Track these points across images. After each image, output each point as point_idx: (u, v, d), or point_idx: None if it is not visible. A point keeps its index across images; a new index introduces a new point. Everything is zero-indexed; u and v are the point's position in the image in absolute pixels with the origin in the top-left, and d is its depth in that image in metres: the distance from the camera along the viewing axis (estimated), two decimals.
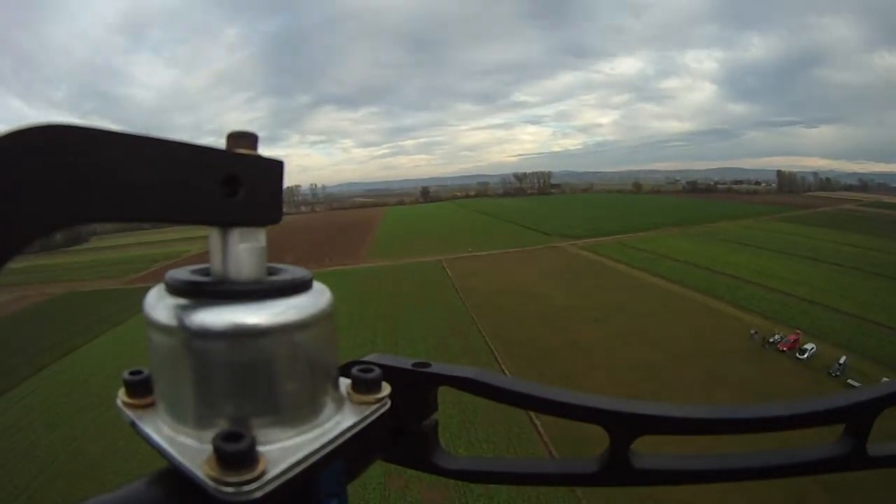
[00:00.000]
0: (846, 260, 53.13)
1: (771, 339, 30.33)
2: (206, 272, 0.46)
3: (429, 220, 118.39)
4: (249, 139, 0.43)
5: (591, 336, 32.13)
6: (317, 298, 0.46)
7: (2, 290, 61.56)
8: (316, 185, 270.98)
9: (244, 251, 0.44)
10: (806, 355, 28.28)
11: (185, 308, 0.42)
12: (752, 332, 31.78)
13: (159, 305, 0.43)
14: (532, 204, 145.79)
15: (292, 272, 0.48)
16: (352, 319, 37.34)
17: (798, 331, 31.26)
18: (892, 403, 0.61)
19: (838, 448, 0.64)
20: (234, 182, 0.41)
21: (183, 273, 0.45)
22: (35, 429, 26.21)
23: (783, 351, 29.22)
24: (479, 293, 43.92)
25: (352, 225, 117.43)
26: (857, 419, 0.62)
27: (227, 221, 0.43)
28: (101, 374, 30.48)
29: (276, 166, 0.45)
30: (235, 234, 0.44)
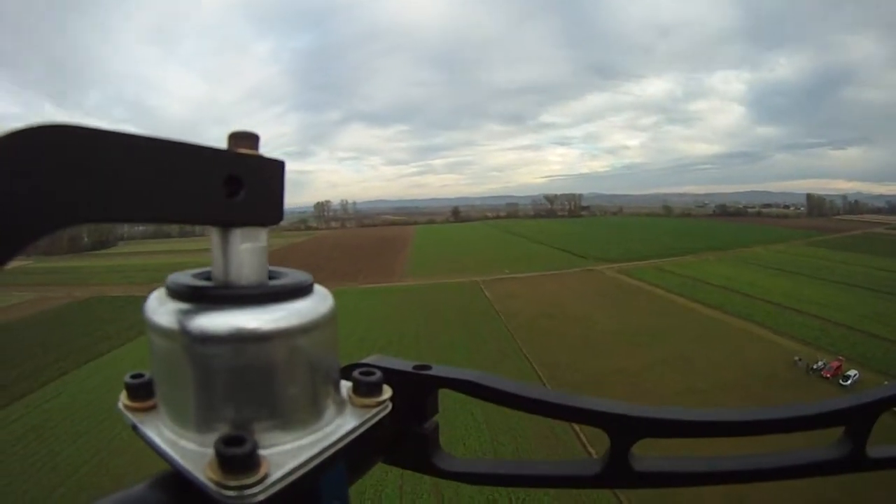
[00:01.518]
0: (880, 285, 52.84)
1: (815, 366, 30.71)
2: (207, 276, 0.46)
3: (462, 239, 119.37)
4: (251, 139, 0.43)
5: (636, 362, 32.81)
6: (318, 303, 0.46)
7: (25, 289, 61.78)
8: (347, 201, 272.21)
9: (245, 252, 0.44)
10: (849, 382, 28.59)
11: (186, 313, 0.42)
12: (797, 358, 32.18)
13: (161, 310, 0.43)
14: (564, 226, 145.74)
15: (294, 276, 0.48)
16: (390, 341, 38.10)
17: (840, 357, 31.61)
18: (891, 406, 0.62)
19: (838, 450, 0.64)
20: (235, 182, 0.41)
21: (184, 277, 0.46)
22: (57, 436, 25.60)
23: (827, 378, 29.58)
24: (521, 316, 44.74)
25: (384, 241, 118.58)
26: (857, 422, 0.63)
27: (228, 222, 0.43)
28: None
29: (277, 166, 0.45)
30: (237, 235, 0.44)
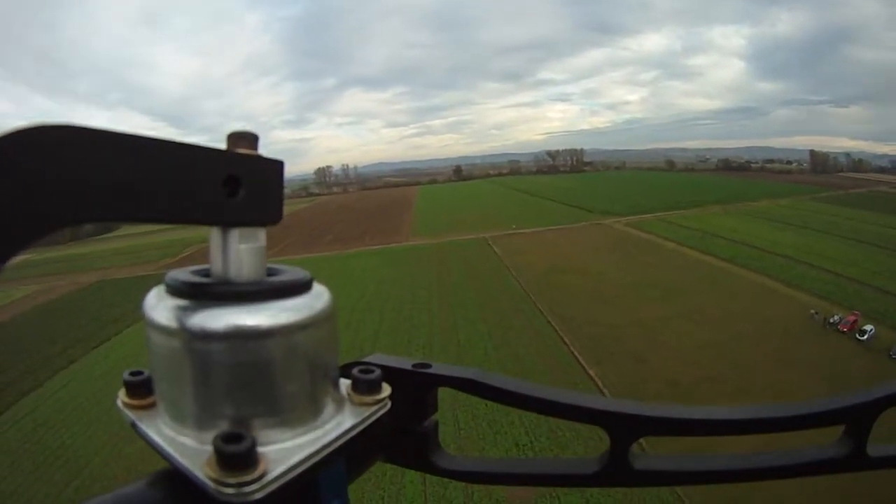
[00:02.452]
0: (889, 242, 52.20)
1: (831, 320, 30.47)
2: (206, 273, 0.46)
3: (465, 197, 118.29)
4: (250, 139, 0.43)
5: (653, 314, 32.61)
6: (317, 299, 0.46)
7: (31, 281, 60.03)
8: (347, 166, 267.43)
9: (244, 251, 0.44)
10: (865, 337, 28.40)
11: (185, 309, 0.41)
12: (813, 312, 31.97)
13: (159, 307, 0.43)
14: (567, 182, 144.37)
15: (292, 273, 0.48)
16: (403, 300, 37.86)
17: (856, 312, 31.24)
18: (892, 404, 0.62)
19: (838, 449, 0.64)
20: (234, 182, 0.41)
21: (183, 274, 0.45)
22: (68, 427, 25.02)
23: (843, 332, 29.32)
24: (532, 271, 44.46)
25: (388, 203, 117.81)
26: (857, 420, 0.63)
27: (227, 221, 0.43)
28: (138, 364, 30.06)
29: (276, 166, 0.45)
30: (236, 234, 0.44)
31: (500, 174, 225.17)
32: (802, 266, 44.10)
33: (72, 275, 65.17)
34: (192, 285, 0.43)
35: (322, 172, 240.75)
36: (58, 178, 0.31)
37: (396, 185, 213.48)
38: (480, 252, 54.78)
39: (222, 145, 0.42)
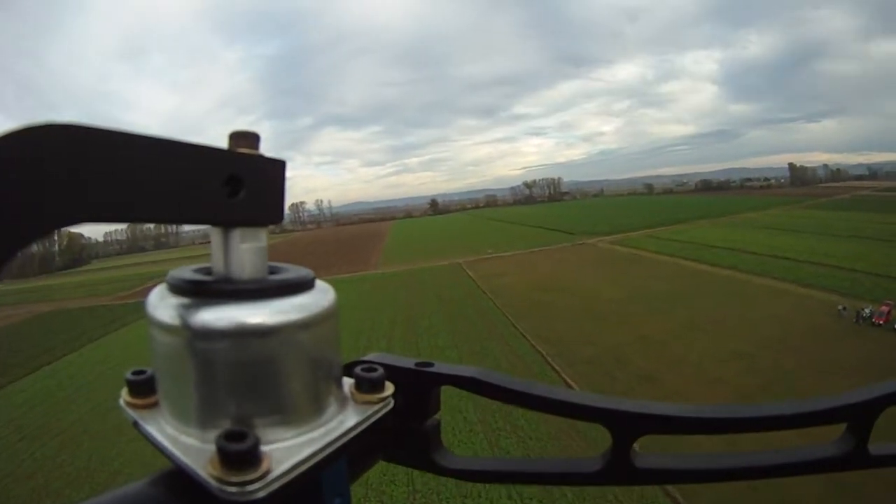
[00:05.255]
0: (892, 236, 50.19)
1: (864, 314, 26.42)
2: (207, 271, 0.46)
3: (440, 228, 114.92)
4: (251, 139, 0.43)
5: (659, 329, 27.68)
6: (320, 297, 0.46)
7: None
8: (322, 201, 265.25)
9: (246, 251, 0.44)
10: None
11: (187, 307, 0.41)
12: (840, 307, 27.79)
13: (162, 305, 0.42)
14: (546, 209, 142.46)
15: (295, 271, 0.47)
16: (361, 330, 32.80)
17: (889, 301, 27.29)
18: (893, 403, 0.60)
19: (840, 447, 0.63)
20: (235, 182, 0.41)
21: (185, 272, 0.45)
22: None
23: (879, 324, 25.47)
24: (511, 292, 39.46)
25: (360, 236, 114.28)
26: (858, 418, 0.62)
27: (228, 221, 0.43)
28: (60, 394, 26.12)
29: (277, 166, 0.45)
30: (237, 234, 0.43)
31: (476, 207, 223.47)
32: (810, 266, 40.62)
33: (30, 305, 64.39)
34: (195, 283, 0.43)
35: (295, 208, 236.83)
36: (58, 177, 0.31)
37: (371, 221, 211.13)
38: (453, 276, 49.86)
39: (224, 145, 0.42)
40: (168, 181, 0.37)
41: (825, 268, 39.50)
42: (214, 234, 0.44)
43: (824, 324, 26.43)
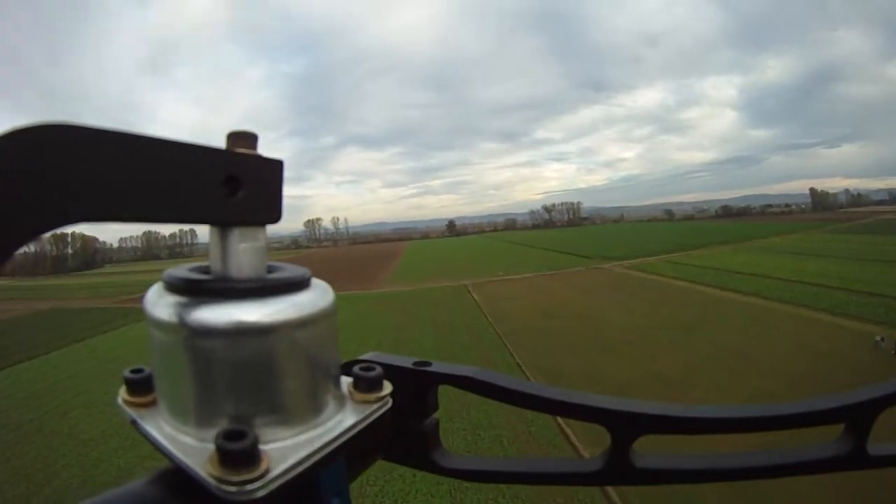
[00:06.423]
0: None
1: None
2: (205, 270, 0.45)
3: (455, 248, 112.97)
4: (249, 139, 0.43)
5: (675, 362, 24.45)
6: (318, 296, 0.46)
7: None
8: (338, 219, 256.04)
9: (244, 250, 0.44)
10: None
11: (185, 306, 0.41)
12: (878, 338, 24.57)
13: (160, 303, 0.42)
14: (563, 233, 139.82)
15: (292, 270, 0.47)
16: (344, 350, 31.09)
17: None
18: (892, 403, 0.61)
19: (839, 447, 0.63)
20: (234, 182, 0.41)
21: (182, 271, 0.45)
22: None
23: None
24: (514, 317, 36.61)
25: (374, 255, 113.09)
26: (857, 419, 0.62)
27: (226, 221, 0.43)
28: (39, 389, 24.42)
29: (276, 166, 0.45)
30: (235, 234, 0.43)
31: (494, 230, 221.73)
32: (840, 293, 37.05)
33: (32, 301, 65.97)
34: (192, 282, 0.43)
35: (311, 225, 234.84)
36: (57, 177, 0.31)
37: (388, 241, 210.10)
38: (455, 299, 47.19)
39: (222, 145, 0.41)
40: (167, 181, 0.37)
41: (855, 294, 36.23)
42: (212, 233, 0.44)
43: (860, 356, 23.23)
